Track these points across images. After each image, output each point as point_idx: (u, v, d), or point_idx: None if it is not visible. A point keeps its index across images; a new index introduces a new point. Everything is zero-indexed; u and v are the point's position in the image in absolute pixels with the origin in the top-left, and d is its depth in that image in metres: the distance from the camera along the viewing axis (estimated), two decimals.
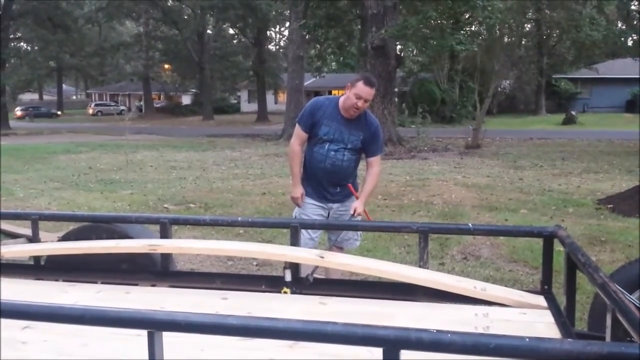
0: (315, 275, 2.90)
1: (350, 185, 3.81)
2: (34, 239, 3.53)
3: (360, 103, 3.58)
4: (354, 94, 3.57)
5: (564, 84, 37.79)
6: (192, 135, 27.17)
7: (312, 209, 3.81)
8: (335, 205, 3.83)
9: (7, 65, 35.49)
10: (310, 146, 3.82)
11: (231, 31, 48.41)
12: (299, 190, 3.80)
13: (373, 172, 3.79)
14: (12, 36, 37.20)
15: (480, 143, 18.64)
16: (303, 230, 3.41)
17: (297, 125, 3.83)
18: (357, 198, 3.77)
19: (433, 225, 3.45)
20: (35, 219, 3.51)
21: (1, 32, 33.00)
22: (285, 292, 2.92)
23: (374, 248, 5.70)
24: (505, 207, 8.00)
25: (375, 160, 3.80)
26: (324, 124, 3.70)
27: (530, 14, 24.10)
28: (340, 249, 3.84)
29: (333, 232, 3.84)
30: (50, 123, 42.23)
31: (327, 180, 3.77)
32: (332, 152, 3.71)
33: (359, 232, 3.97)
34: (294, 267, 2.95)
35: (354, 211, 3.66)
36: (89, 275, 3.20)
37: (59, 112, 52.43)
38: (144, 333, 1.61)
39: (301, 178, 3.86)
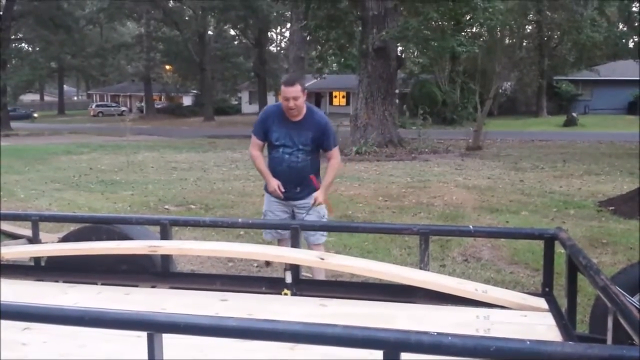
0: (319, 278, 2.89)
1: (313, 177, 4.00)
2: (34, 239, 3.53)
3: (290, 104, 3.77)
4: (282, 97, 3.80)
5: (565, 86, 37.77)
6: (193, 136, 27.18)
7: (277, 207, 4.06)
8: (297, 202, 4.04)
9: (8, 65, 35.54)
10: (269, 152, 4.06)
11: (232, 32, 48.52)
12: (274, 182, 3.95)
13: (332, 164, 4.02)
14: (13, 37, 37.24)
15: (481, 145, 18.63)
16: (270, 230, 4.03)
17: (252, 135, 4.06)
18: (317, 189, 3.97)
19: (434, 227, 3.45)
20: (36, 220, 3.51)
21: (2, 32, 33.06)
22: (285, 294, 2.92)
23: (374, 250, 5.69)
24: (506, 209, 7.99)
25: (333, 152, 4.02)
26: (274, 130, 3.92)
27: (531, 15, 24.10)
28: (317, 245, 4.00)
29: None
30: (52, 124, 42.17)
31: (287, 181, 3.95)
32: (287, 156, 3.93)
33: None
34: (295, 268, 2.95)
35: (314, 200, 3.89)
36: (89, 276, 3.20)
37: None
38: (143, 335, 1.60)
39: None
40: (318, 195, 3.91)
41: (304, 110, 3.88)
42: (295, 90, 3.74)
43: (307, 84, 28.67)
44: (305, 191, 3.99)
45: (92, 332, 1.81)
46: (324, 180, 4.02)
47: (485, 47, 21.28)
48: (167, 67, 48.78)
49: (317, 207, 3.99)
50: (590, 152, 17.09)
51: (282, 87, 3.79)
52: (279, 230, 3.94)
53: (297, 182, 3.96)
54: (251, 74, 44.11)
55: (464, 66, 30.48)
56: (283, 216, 4.05)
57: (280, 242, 4.06)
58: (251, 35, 42.64)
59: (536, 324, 2.42)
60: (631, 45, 28.95)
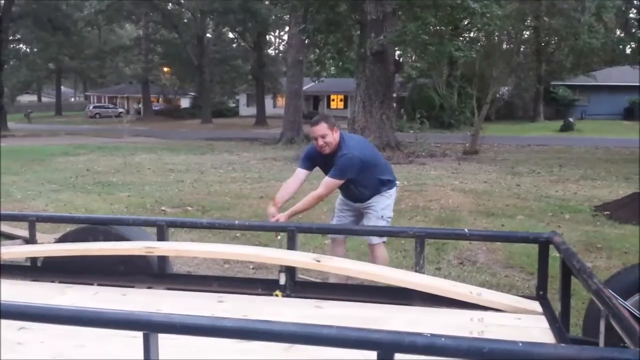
0: (312, 279, 2.90)
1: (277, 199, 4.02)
2: (31, 240, 3.54)
3: (320, 142, 3.91)
4: (312, 137, 4.00)
5: (562, 91, 37.85)
6: (190, 139, 27.16)
7: (344, 207, 4.36)
8: (361, 205, 4.24)
9: (6, 66, 35.49)
10: None
11: (231, 35, 48.47)
12: (270, 210, 3.93)
13: (312, 192, 3.99)
14: (11, 38, 37.20)
15: (478, 149, 18.67)
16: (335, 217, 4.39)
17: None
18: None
19: (430, 230, 3.46)
20: (33, 221, 3.51)
21: (1, 33, 33.01)
22: (276, 295, 2.92)
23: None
24: (502, 213, 8.01)
25: (323, 181, 3.99)
26: (320, 168, 4.12)
27: (529, 21, 24.12)
28: (372, 245, 4.22)
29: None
30: (49, 125, 42.07)
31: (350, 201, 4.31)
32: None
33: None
34: (290, 270, 2.96)
35: (277, 220, 3.85)
36: (85, 277, 3.20)
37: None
38: (139, 335, 1.61)
39: None
40: (281, 217, 3.85)
41: (334, 145, 3.95)
42: (321, 128, 3.87)
43: (304, 87, 28.64)
44: (367, 193, 4.15)
45: (88, 332, 1.82)
46: (294, 207, 3.96)
47: (483, 52, 21.27)
48: (165, 69, 48.70)
49: (376, 208, 4.17)
50: (587, 157, 17.14)
51: (310, 127, 3.98)
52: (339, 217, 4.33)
53: (355, 200, 4.22)
54: (249, 77, 44.05)
55: (462, 71, 30.51)
56: (349, 218, 4.31)
57: (333, 241, 4.31)
58: (250, 39, 42.56)
59: (530, 326, 2.43)
60: (628, 51, 28.98)
